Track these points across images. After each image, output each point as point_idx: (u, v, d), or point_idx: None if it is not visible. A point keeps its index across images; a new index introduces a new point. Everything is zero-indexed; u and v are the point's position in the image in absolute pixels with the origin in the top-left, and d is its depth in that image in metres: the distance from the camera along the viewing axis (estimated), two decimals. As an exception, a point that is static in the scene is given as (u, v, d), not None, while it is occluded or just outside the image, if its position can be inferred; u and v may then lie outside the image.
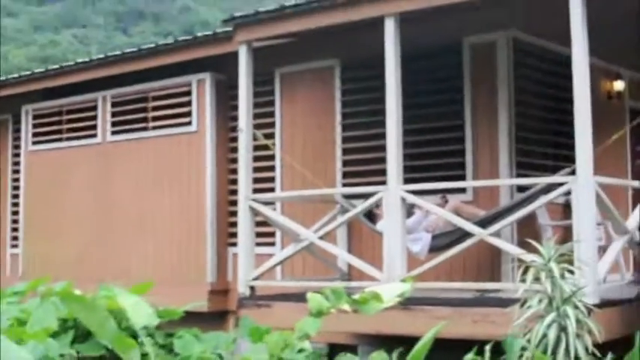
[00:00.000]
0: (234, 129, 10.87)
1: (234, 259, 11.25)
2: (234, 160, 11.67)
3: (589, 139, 7.28)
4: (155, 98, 12.38)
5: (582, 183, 7.22)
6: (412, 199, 8.31)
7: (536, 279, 6.29)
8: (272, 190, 11.15)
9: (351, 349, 10.69)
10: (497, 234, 8.23)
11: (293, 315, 8.62)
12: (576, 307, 6.10)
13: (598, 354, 6.13)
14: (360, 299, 5.74)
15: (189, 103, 11.97)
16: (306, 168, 10.97)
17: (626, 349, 8.21)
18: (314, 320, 5.79)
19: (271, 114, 11.44)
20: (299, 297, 8.97)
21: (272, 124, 11.41)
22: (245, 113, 9.49)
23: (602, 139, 9.67)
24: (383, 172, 9.12)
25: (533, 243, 6.49)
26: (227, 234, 11.79)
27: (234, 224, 11.41)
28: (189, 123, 11.95)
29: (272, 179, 11.37)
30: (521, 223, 9.39)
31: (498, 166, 9.51)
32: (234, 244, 11.49)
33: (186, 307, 7.25)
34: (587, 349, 6.01)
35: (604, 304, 7.34)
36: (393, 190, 8.26)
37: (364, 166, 10.46)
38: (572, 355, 5.92)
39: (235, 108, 11.58)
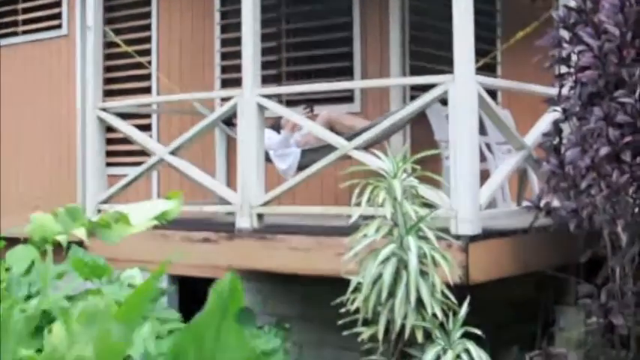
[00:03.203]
0: (114, 32, 9.42)
1: (112, 180, 9.93)
2: (110, 69, 10.26)
3: (469, 30, 5.86)
4: (25, -1, 10.93)
5: (460, 83, 5.82)
6: (272, 106, 6.90)
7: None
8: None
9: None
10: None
11: (146, 244, 7.29)
12: (422, 237, 4.74)
13: (452, 298, 4.79)
14: (100, 222, 4.28)
15: (58, 3, 10.48)
16: (184, 76, 9.58)
17: (509, 289, 6.94)
18: (26, 249, 4.38)
19: (147, 15, 9.97)
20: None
21: (148, 27, 9.95)
22: (93, 7, 8.02)
23: (523, 44, 8.27)
24: (267, 79, 7.79)
25: (377, 153, 5.09)
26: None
27: (112, 141, 10.01)
28: (59, 26, 10.48)
29: (148, 89, 9.94)
30: (416, 140, 8.06)
31: (389, 73, 8.12)
32: (111, 164, 10.12)
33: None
34: (433, 292, 4.66)
35: (488, 234, 6.01)
36: (248, 96, 6.86)
37: (246, 73, 9.00)
38: (412, 298, 4.57)
39: (114, 8, 10.18)
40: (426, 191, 5.06)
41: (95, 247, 7.79)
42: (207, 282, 8.27)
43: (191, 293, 8.41)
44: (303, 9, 8.78)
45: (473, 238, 5.78)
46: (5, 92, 11.04)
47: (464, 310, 4.79)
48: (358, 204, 4.80)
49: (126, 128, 7.95)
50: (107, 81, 10.09)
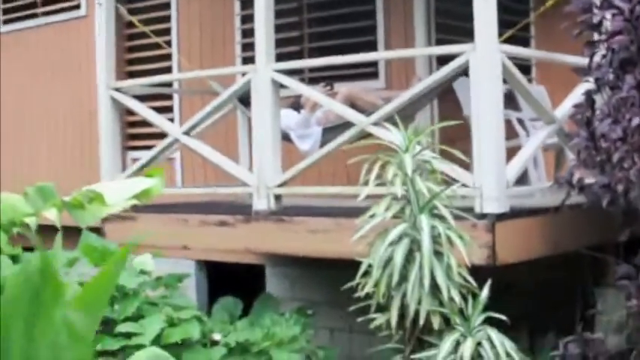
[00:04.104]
0: (131, 12, 9.12)
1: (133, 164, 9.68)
2: (132, 49, 9.99)
3: (492, -5, 5.45)
4: (45, -21, 10.67)
5: (481, 51, 5.42)
6: (287, 82, 6.53)
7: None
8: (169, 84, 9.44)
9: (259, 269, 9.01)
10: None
11: (162, 229, 6.98)
12: (437, 216, 4.37)
13: (471, 281, 4.42)
14: (73, 202, 3.96)
15: (77, -17, 10.24)
16: (204, 55, 9.27)
17: (545, 271, 6.54)
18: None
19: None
20: (176, 207, 7.33)
21: (167, 5, 9.65)
22: (105, -18, 7.71)
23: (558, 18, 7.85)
24: (289, 56, 7.46)
25: (388, 126, 4.71)
26: (125, 136, 10.09)
27: (133, 124, 9.78)
28: (78, 7, 10.21)
29: (170, 70, 9.63)
30: (445, 117, 7.66)
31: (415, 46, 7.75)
32: (133, 148, 9.88)
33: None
34: (449, 274, 4.29)
35: (516, 213, 5.61)
36: (262, 72, 6.49)
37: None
38: (426, 281, 4.20)
39: (134, -11, 9.90)
40: (441, 166, 4.68)
41: (111, 232, 7.53)
42: (247, 267, 7.86)
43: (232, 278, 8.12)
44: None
45: (500, 217, 5.39)
46: (28, 77, 10.81)
47: (485, 293, 4.41)
48: (367, 182, 4.44)
49: (140, 109, 7.63)
50: (129, 62, 9.87)
